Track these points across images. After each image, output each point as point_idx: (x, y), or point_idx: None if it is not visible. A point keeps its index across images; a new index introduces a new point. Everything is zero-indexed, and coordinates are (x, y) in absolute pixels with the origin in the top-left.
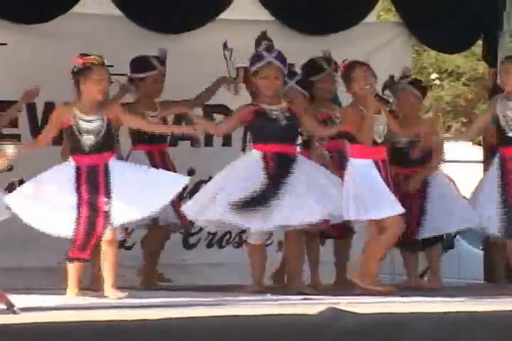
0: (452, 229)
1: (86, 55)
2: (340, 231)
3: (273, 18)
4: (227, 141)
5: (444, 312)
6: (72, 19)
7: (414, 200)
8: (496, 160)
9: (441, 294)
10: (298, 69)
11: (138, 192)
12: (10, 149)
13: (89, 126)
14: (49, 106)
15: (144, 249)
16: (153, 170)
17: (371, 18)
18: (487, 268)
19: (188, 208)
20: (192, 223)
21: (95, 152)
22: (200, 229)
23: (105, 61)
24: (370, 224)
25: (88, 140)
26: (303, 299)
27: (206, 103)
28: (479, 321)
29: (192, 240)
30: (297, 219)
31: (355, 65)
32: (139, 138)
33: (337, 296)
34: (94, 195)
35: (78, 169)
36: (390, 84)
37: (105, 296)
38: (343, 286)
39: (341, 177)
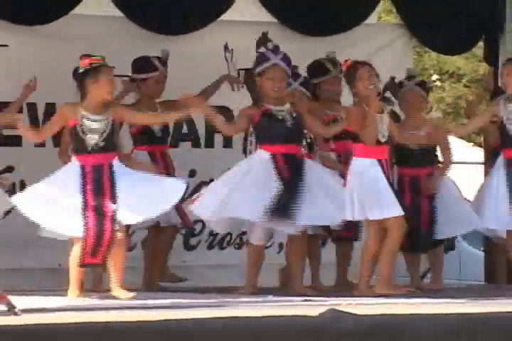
0: (457, 233)
1: (90, 55)
2: (354, 233)
3: (274, 20)
4: (228, 143)
5: (445, 314)
6: (73, 20)
7: (424, 200)
8: (500, 161)
9: (441, 295)
10: (299, 71)
11: (142, 194)
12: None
13: (95, 125)
14: (50, 107)
15: (144, 250)
16: (153, 175)
17: (372, 19)
18: (488, 269)
19: (200, 208)
20: (194, 223)
21: (99, 152)
22: (201, 231)
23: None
24: (369, 224)
25: (92, 139)
26: (303, 300)
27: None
28: (480, 322)
29: (193, 241)
30: (322, 221)
31: (358, 64)
32: (140, 138)
33: (338, 298)
34: (99, 195)
35: (83, 169)
36: (391, 85)
37: (113, 296)
38: (344, 288)
39: None
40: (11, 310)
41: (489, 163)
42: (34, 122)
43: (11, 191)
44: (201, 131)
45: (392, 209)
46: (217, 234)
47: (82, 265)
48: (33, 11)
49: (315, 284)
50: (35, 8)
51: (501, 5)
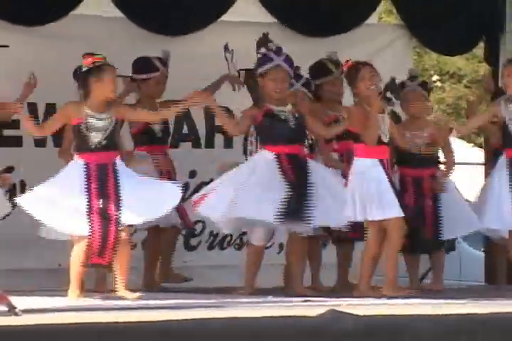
0: (457, 235)
1: (93, 54)
2: (360, 234)
3: (274, 20)
4: (228, 143)
5: (445, 314)
6: (73, 21)
7: (427, 201)
8: (502, 161)
9: (442, 296)
10: (301, 71)
11: (143, 196)
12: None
13: (99, 123)
14: (50, 108)
15: (144, 251)
16: (152, 178)
17: (372, 20)
18: (488, 270)
19: (207, 209)
20: (194, 224)
21: (102, 150)
22: (202, 231)
23: None
24: (369, 224)
25: (96, 137)
26: (303, 301)
27: (207, 105)
28: (480, 323)
29: (193, 242)
30: (328, 222)
31: (360, 65)
32: (140, 139)
33: (338, 298)
34: (104, 195)
35: (87, 166)
36: (392, 85)
37: (118, 297)
38: (345, 288)
39: None
40: (12, 310)
41: (490, 163)
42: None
43: (12, 191)
44: (201, 132)
45: (392, 210)
46: (217, 234)
47: (87, 265)
48: (33, 12)
49: (315, 285)
50: (35, 8)
51: (501, 5)
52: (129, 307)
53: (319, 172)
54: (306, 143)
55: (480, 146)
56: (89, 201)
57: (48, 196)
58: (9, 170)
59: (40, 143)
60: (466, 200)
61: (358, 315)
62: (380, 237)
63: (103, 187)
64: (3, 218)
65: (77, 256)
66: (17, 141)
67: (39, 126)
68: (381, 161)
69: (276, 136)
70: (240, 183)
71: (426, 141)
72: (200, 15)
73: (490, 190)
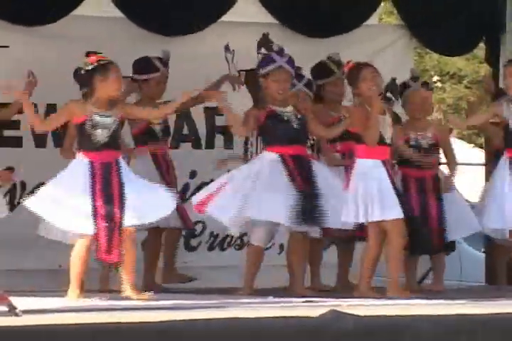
0: (457, 236)
1: (96, 52)
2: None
3: (275, 21)
4: (228, 144)
5: (445, 315)
6: (73, 21)
7: (432, 202)
8: (504, 161)
9: (442, 296)
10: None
11: (144, 197)
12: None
13: (104, 120)
14: (51, 108)
15: (144, 251)
16: (149, 182)
17: (373, 20)
18: (488, 270)
19: (217, 210)
20: (194, 224)
21: (107, 148)
22: (202, 232)
23: None
24: (369, 225)
25: (101, 135)
26: (304, 301)
27: (207, 105)
28: (480, 323)
29: (193, 242)
30: (335, 223)
31: (361, 65)
32: (141, 139)
33: (338, 299)
34: (108, 194)
35: (92, 165)
36: (392, 86)
37: (121, 297)
38: (345, 289)
39: None
40: (12, 310)
41: (491, 164)
42: (32, 129)
43: (12, 192)
44: (202, 132)
45: (392, 211)
46: (217, 235)
47: (97, 260)
48: (33, 12)
49: (315, 285)
50: (35, 8)
51: (501, 5)
52: (130, 307)
53: (321, 173)
54: (308, 143)
55: (480, 147)
56: (94, 199)
57: (53, 196)
58: (9, 170)
59: (40, 143)
60: (467, 201)
61: (358, 316)
62: (381, 238)
63: (107, 185)
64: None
65: (77, 256)
66: (17, 142)
67: (41, 120)
68: (383, 162)
69: (279, 137)
70: (246, 185)
71: (430, 142)
72: (201, 16)
73: (492, 190)
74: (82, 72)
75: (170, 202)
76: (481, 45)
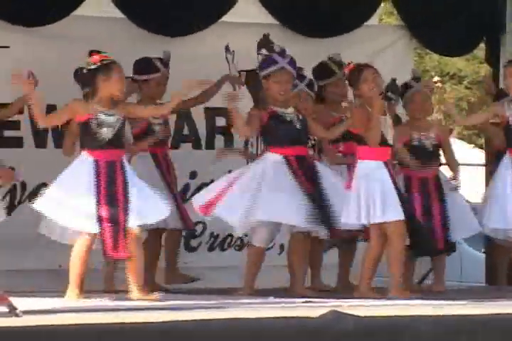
0: (458, 237)
1: (99, 52)
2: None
3: (275, 21)
4: (229, 144)
5: (445, 315)
6: (74, 22)
7: (435, 202)
8: (505, 161)
9: (442, 297)
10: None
11: (148, 196)
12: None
13: (109, 119)
14: (51, 109)
15: (144, 252)
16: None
17: (373, 21)
18: (489, 271)
19: (223, 210)
20: (194, 225)
21: (111, 147)
22: (202, 232)
23: None
24: (370, 226)
25: (107, 133)
26: (305, 302)
27: (208, 106)
28: (481, 324)
29: (193, 243)
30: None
31: (362, 66)
32: (142, 139)
33: (339, 299)
34: (112, 192)
35: (96, 163)
36: (392, 86)
37: (124, 298)
38: (345, 289)
39: None
40: (12, 311)
41: (491, 164)
42: (35, 124)
43: (12, 192)
44: (202, 133)
45: (392, 213)
46: (218, 235)
47: (106, 257)
48: (33, 12)
49: (316, 285)
50: (35, 9)
51: (502, 5)
52: (130, 308)
53: (324, 173)
54: (309, 144)
55: (480, 147)
56: (98, 198)
57: (58, 195)
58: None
59: (40, 144)
60: (467, 201)
61: (358, 316)
62: (382, 240)
63: (112, 184)
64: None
65: (77, 256)
66: (17, 142)
67: (44, 115)
68: (385, 163)
69: (282, 138)
70: (252, 185)
71: (433, 143)
72: (201, 16)
73: (493, 191)
74: (85, 71)
75: (165, 207)
76: (481, 45)
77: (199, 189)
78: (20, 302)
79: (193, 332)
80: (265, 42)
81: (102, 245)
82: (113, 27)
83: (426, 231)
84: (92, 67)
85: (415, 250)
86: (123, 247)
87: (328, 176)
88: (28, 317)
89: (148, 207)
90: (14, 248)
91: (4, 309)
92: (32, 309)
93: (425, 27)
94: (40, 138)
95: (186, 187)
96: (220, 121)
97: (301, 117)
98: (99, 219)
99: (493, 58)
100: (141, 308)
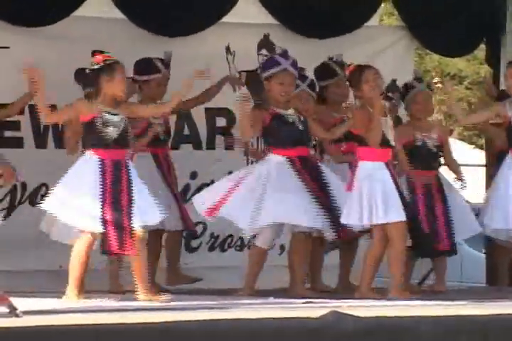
0: (458, 238)
1: (102, 52)
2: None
3: (276, 22)
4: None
5: (445, 316)
6: (74, 22)
7: (438, 203)
8: (507, 161)
9: (442, 297)
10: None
11: (148, 197)
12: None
13: (114, 118)
14: (51, 109)
15: None
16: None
17: (373, 21)
18: (489, 271)
19: (232, 213)
20: (195, 225)
21: (117, 146)
22: (202, 233)
23: None
24: (374, 229)
25: (112, 133)
26: (305, 302)
27: (208, 106)
28: (481, 324)
29: (194, 243)
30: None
31: (363, 67)
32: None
33: (339, 300)
34: (117, 192)
35: (102, 163)
36: (393, 87)
37: (140, 300)
38: (346, 290)
39: None
40: (12, 311)
41: (492, 165)
42: (36, 124)
43: (12, 192)
44: (202, 133)
45: (394, 214)
46: (218, 236)
47: (110, 253)
48: (34, 13)
49: (316, 285)
50: (36, 9)
51: (502, 5)
52: (130, 308)
53: (326, 174)
54: (311, 144)
55: (481, 148)
56: (104, 197)
57: (63, 194)
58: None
59: (41, 144)
60: (467, 202)
61: (359, 317)
62: (384, 241)
63: (117, 183)
64: None
65: (77, 256)
66: (18, 142)
67: (49, 110)
68: (386, 164)
69: (285, 139)
70: (258, 186)
71: (436, 143)
72: (202, 17)
73: (496, 191)
74: (87, 71)
75: (161, 209)
76: (482, 46)
77: (199, 189)
78: (21, 303)
79: (193, 332)
80: (265, 43)
81: (104, 244)
82: (113, 27)
83: (427, 233)
84: (96, 67)
85: (416, 251)
86: (130, 244)
87: (331, 177)
88: (28, 318)
89: (149, 207)
90: (14, 248)
91: (4, 309)
92: (32, 309)
93: (425, 27)
94: (40, 138)
95: (187, 187)
96: (221, 122)
97: (302, 118)
98: (104, 218)
99: (493, 59)
100: (142, 309)
